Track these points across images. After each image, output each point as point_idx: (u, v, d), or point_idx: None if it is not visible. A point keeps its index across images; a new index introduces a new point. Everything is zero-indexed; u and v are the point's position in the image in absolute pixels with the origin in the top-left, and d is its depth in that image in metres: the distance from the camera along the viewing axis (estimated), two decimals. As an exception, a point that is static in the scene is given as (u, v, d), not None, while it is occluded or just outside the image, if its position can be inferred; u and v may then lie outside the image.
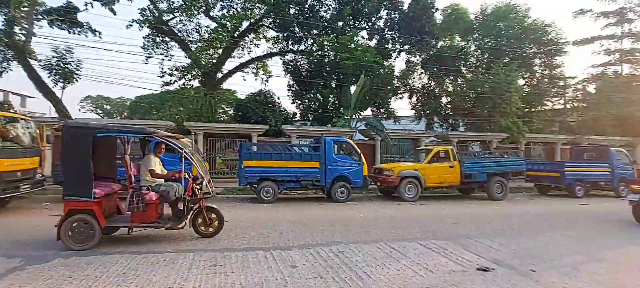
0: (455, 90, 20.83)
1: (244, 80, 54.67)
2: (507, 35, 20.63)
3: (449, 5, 21.18)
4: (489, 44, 20.94)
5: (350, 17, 19.39)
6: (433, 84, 21.79)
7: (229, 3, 19.31)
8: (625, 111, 20.64)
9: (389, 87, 19.86)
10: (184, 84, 19.58)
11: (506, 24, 20.74)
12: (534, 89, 22.16)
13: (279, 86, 76.63)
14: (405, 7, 20.15)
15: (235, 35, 18.82)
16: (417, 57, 21.61)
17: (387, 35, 21.36)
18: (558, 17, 66.50)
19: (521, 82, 20.95)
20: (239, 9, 19.02)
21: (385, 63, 19.51)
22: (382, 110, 20.05)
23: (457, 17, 20.90)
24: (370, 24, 20.83)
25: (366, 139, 17.11)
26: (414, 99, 22.21)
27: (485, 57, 21.10)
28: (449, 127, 21.11)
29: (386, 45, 21.11)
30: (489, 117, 19.07)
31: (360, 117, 19.33)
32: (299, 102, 19.97)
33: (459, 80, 21.14)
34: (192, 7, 17.90)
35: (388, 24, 21.12)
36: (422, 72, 22.41)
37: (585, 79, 24.95)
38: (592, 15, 24.76)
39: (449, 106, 20.97)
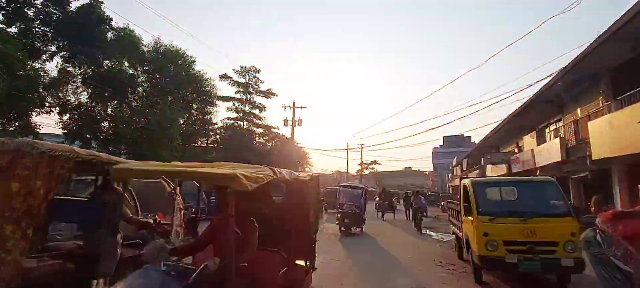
0: (120, 117, 20.05)
1: None
2: (174, 77, 23.18)
3: (122, 27, 20.59)
4: (159, 80, 22.46)
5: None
6: (94, 104, 19.69)
7: None
8: (242, 154, 29.31)
9: (31, 95, 15.64)
10: None
11: (175, 67, 23.31)
12: (189, 128, 26.02)
13: None
14: (73, 7, 17.34)
15: None
16: (78, 69, 18.78)
17: (37, 30, 17.00)
18: (213, 72, 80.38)
19: (181, 121, 24.02)
20: None
21: (30, 63, 15.40)
22: (17, 124, 15.28)
23: (130, 43, 20.73)
24: (14, 6, 15.73)
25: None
26: (67, 116, 18.79)
27: (154, 91, 22.27)
28: (110, 154, 19.77)
29: (35, 42, 16.73)
30: (151, 150, 20.07)
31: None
32: None
33: (125, 107, 20.63)
34: None
35: (41, 16, 16.97)
36: (79, 88, 19.60)
37: (222, 127, 32.76)
38: (230, 82, 33.51)
39: (111, 132, 19.73)
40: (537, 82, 15.10)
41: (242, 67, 33.38)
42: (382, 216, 20.17)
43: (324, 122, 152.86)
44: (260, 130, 34.64)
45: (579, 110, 13.71)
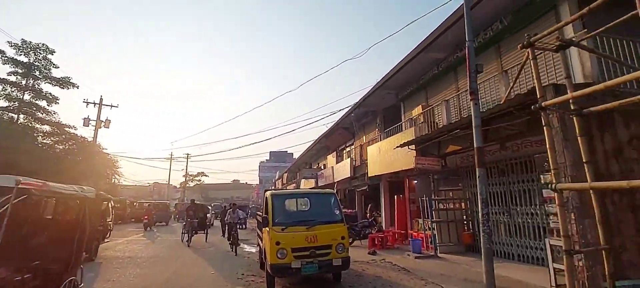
0: None
1: None
2: None
3: None
4: None
5: None
6: None
7: None
8: (16, 157, 21.68)
9: None
10: None
11: None
12: None
13: None
14: None
15: None
16: None
17: None
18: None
19: None
20: None
21: None
22: None
23: None
24: None
25: None
26: None
27: None
28: None
29: None
30: None
31: None
32: None
33: None
34: None
35: None
36: None
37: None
38: (2, 58, 24.66)
39: None
40: (340, 110, 18.45)
41: (24, 42, 25.29)
42: (189, 239, 14.46)
43: (143, 128, 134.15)
44: (47, 128, 26.88)
45: (364, 137, 17.54)
